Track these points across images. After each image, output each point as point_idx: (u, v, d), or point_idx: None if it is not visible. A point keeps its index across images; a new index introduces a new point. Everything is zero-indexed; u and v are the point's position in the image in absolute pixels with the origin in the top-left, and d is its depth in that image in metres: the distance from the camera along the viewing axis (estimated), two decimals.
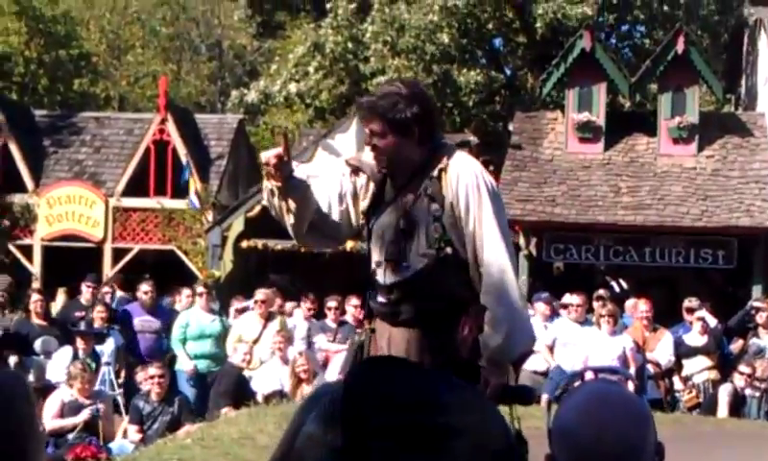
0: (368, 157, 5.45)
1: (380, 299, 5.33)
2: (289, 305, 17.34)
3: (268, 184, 5.23)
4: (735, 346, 16.43)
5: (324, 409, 1.36)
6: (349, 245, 5.58)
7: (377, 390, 1.33)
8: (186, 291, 17.04)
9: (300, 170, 5.29)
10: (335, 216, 5.40)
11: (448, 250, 5.16)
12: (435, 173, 5.18)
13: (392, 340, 5.28)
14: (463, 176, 5.16)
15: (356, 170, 5.41)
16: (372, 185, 5.36)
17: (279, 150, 5.14)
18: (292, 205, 5.22)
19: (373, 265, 5.35)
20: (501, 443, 1.38)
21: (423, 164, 5.22)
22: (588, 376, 2.84)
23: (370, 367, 1.41)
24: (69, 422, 12.43)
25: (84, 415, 12.45)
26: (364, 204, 5.38)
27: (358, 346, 5.56)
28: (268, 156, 5.16)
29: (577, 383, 2.72)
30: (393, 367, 1.40)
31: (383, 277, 5.29)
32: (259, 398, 13.79)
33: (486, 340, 5.09)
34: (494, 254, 5.11)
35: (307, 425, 1.36)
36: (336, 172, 5.49)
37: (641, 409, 2.56)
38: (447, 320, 5.16)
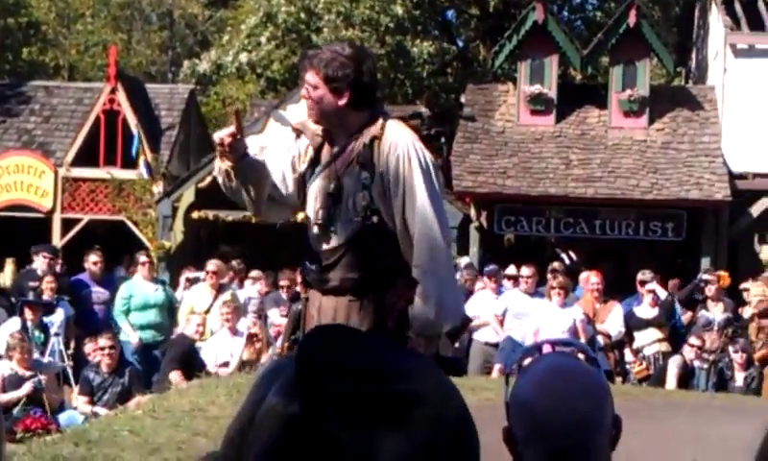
0: (309, 124, 5.45)
1: (310, 266, 5.35)
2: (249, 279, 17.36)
3: (222, 165, 5.16)
4: (686, 317, 16.56)
5: (286, 380, 1.35)
6: (301, 216, 5.51)
7: (331, 358, 1.32)
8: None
9: (252, 142, 5.25)
10: (290, 184, 5.39)
11: (374, 219, 5.15)
12: (367, 141, 5.17)
13: (321, 308, 5.28)
14: (394, 146, 5.14)
15: (299, 134, 5.40)
16: (310, 149, 5.35)
17: (232, 128, 5.07)
18: (248, 183, 5.18)
19: (307, 233, 5.37)
20: (459, 410, 1.37)
21: (359, 131, 5.19)
22: (546, 348, 2.84)
23: (322, 335, 1.40)
24: (12, 395, 12.32)
25: (26, 388, 12.36)
26: (302, 167, 5.37)
27: (296, 315, 5.57)
28: (221, 135, 5.09)
29: (533, 356, 2.72)
30: (345, 335, 1.39)
31: (314, 243, 5.31)
32: (211, 369, 13.73)
33: (415, 313, 5.10)
34: (424, 227, 5.09)
35: (269, 397, 1.35)
36: (286, 139, 5.47)
37: (599, 382, 2.57)
38: (374, 289, 5.17)
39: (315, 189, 5.29)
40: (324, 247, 5.24)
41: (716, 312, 16.15)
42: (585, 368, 2.61)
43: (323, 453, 1.28)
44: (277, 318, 15.61)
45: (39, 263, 16.24)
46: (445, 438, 1.34)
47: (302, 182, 5.36)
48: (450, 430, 1.35)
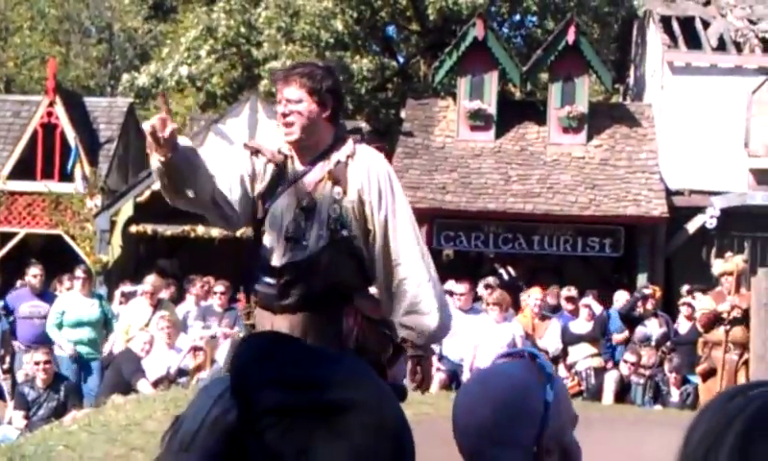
0: (265, 142, 5.47)
1: (269, 281, 5.26)
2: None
3: (156, 161, 4.90)
4: (623, 336, 16.54)
5: (224, 392, 1.34)
6: (240, 231, 5.44)
7: (266, 368, 1.32)
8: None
9: (187, 142, 5.17)
10: (235, 199, 5.26)
11: (344, 233, 5.19)
12: (342, 158, 5.25)
13: (274, 326, 5.16)
14: (374, 166, 5.29)
15: (255, 152, 5.37)
16: (270, 167, 5.33)
17: (162, 115, 4.86)
18: (185, 174, 4.96)
19: (265, 250, 5.27)
20: (396, 416, 1.37)
21: (329, 147, 5.28)
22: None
23: (256, 344, 1.39)
24: None
25: None
26: (261, 186, 5.32)
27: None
28: (152, 123, 4.81)
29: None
30: (280, 344, 1.38)
31: (277, 259, 5.23)
32: (146, 389, 13.52)
33: (422, 322, 5.25)
34: (413, 243, 5.34)
35: (212, 411, 1.35)
36: (234, 157, 5.44)
37: (519, 393, 2.34)
38: (332, 306, 5.17)
39: (280, 206, 5.26)
40: (288, 262, 5.21)
41: (653, 327, 16.28)
42: (507, 375, 2.38)
43: None
44: (198, 331, 15.27)
45: None
46: (384, 444, 1.34)
47: (261, 200, 5.31)
48: (389, 436, 1.35)
